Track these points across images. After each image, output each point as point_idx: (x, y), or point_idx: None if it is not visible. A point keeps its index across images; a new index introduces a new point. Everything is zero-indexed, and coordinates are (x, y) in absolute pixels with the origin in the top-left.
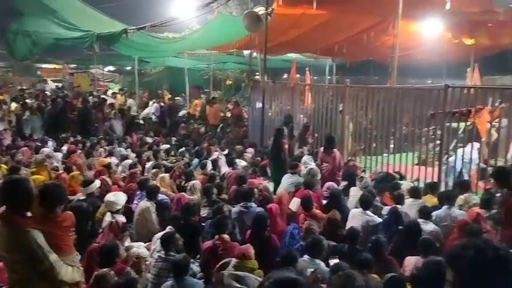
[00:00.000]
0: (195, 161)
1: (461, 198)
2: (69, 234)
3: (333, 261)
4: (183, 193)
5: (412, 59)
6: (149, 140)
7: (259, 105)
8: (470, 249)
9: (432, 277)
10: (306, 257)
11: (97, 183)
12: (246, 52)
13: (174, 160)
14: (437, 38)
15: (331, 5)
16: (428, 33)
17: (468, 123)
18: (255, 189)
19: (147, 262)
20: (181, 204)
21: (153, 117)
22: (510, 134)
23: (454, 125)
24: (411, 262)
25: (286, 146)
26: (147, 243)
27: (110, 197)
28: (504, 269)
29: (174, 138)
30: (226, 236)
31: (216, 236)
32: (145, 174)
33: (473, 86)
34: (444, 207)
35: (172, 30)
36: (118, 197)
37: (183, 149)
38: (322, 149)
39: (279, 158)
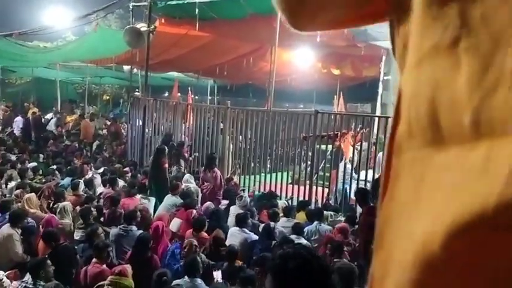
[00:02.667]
0: (67, 180)
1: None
2: None
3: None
4: (53, 215)
5: (287, 84)
6: (13, 157)
7: (139, 122)
8: (290, 257)
9: None
10: (186, 278)
11: None
12: (126, 67)
13: (44, 180)
14: (309, 67)
15: (212, 28)
16: (301, 62)
17: (334, 146)
18: (137, 212)
19: None
20: (51, 227)
21: (17, 132)
22: (369, 156)
23: (323, 147)
24: None
25: (166, 165)
26: (8, 272)
27: None
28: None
29: (41, 156)
30: (101, 260)
31: (94, 260)
32: (7, 195)
33: (339, 113)
34: (315, 222)
35: (43, 40)
36: None
37: (54, 167)
38: (206, 169)
39: (159, 177)
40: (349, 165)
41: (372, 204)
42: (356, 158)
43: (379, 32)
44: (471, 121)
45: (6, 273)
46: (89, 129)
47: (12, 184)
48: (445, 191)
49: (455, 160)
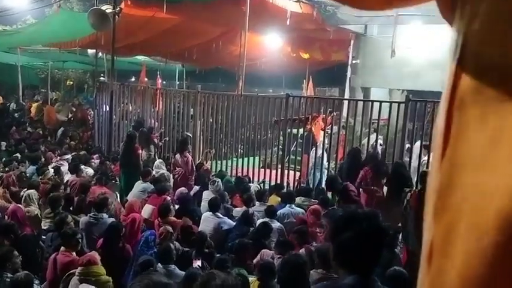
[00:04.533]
0: (31, 168)
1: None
2: None
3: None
4: (19, 205)
5: (256, 69)
6: None
7: (106, 108)
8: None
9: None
10: (159, 265)
11: None
12: (91, 51)
13: (7, 169)
14: (279, 51)
15: (180, 11)
16: (271, 46)
17: (305, 129)
18: (108, 200)
19: None
20: (17, 217)
21: None
22: (339, 140)
23: (294, 131)
24: (267, 254)
25: (140, 152)
26: None
27: None
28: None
29: (4, 143)
30: (69, 249)
31: (62, 248)
32: None
33: (310, 96)
34: (287, 206)
35: (2, 23)
36: None
37: (17, 155)
38: (177, 154)
39: (131, 164)
40: (320, 150)
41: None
42: (327, 142)
43: (349, 15)
44: None
45: None
46: (52, 115)
47: None
48: None
49: None
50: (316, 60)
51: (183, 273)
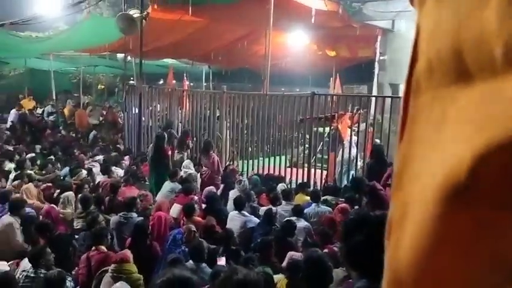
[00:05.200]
0: (65, 170)
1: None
2: None
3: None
4: (53, 205)
5: (282, 68)
6: (10, 148)
7: (135, 110)
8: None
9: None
10: (190, 262)
11: None
12: (120, 56)
13: (44, 172)
14: (304, 49)
15: (206, 13)
16: (296, 45)
17: (332, 127)
18: (137, 199)
19: None
20: (51, 217)
21: (9, 124)
22: (367, 137)
23: (320, 129)
24: (290, 256)
25: (169, 152)
26: (11, 262)
27: None
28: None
29: (38, 146)
30: (102, 247)
31: (93, 248)
32: (8, 185)
33: (336, 94)
34: (313, 204)
35: (34, 30)
36: None
37: (51, 157)
38: (203, 155)
39: (161, 164)
40: (347, 149)
41: None
42: (355, 140)
43: (375, 11)
44: (503, 53)
45: (9, 263)
46: (84, 118)
47: (11, 176)
48: (477, 123)
49: (488, 93)
50: (343, 58)
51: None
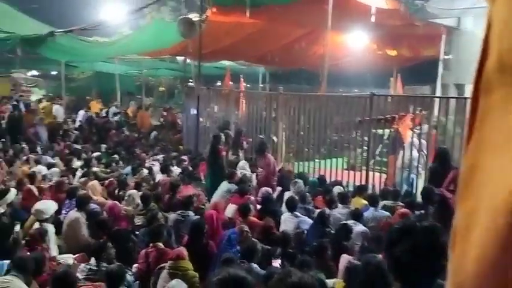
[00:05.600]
0: (128, 168)
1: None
2: None
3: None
4: (115, 202)
5: (340, 68)
6: (78, 147)
7: (193, 111)
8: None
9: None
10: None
11: (13, 192)
12: (180, 58)
13: (109, 170)
14: (363, 49)
15: (263, 14)
16: (355, 45)
17: (392, 129)
18: (194, 198)
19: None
20: (114, 213)
21: (78, 124)
22: (430, 140)
23: (380, 131)
24: (345, 259)
25: (224, 153)
26: (76, 255)
27: (38, 205)
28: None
29: (103, 146)
30: (160, 244)
31: (151, 244)
32: (75, 182)
33: (396, 95)
34: (371, 208)
35: (100, 35)
36: (47, 206)
37: (116, 156)
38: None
39: (217, 164)
40: (415, 153)
41: None
42: (416, 142)
43: (439, 9)
44: None
45: (75, 256)
46: (145, 119)
47: (79, 173)
48: None
49: None
50: (404, 57)
51: (263, 271)
